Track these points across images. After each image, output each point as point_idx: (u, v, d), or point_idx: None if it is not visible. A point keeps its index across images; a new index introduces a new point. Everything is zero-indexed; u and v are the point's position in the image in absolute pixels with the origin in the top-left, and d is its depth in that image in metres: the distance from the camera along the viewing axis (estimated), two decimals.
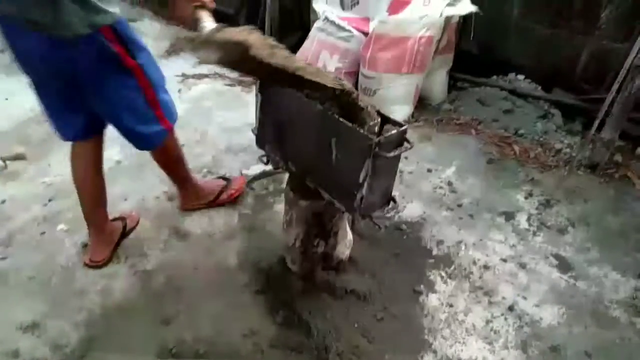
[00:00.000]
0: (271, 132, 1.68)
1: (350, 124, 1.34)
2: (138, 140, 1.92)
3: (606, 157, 2.59)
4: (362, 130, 1.32)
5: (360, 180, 1.39)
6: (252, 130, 1.79)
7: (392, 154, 1.35)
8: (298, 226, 1.73)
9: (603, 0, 2.74)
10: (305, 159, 1.60)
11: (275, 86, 1.54)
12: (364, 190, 1.40)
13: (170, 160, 2.14)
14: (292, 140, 1.62)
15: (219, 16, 4.34)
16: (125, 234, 2.19)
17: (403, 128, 1.37)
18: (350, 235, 1.92)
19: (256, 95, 1.67)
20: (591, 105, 2.92)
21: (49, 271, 2.02)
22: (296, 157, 1.64)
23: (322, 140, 1.47)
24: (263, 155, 1.82)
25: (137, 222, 2.26)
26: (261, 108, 1.69)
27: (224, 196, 2.37)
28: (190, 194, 2.31)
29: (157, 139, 1.93)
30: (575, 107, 3.03)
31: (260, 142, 1.77)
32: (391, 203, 1.52)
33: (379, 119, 1.39)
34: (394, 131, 1.34)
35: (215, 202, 2.35)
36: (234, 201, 2.38)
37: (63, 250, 2.12)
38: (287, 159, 1.68)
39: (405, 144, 1.39)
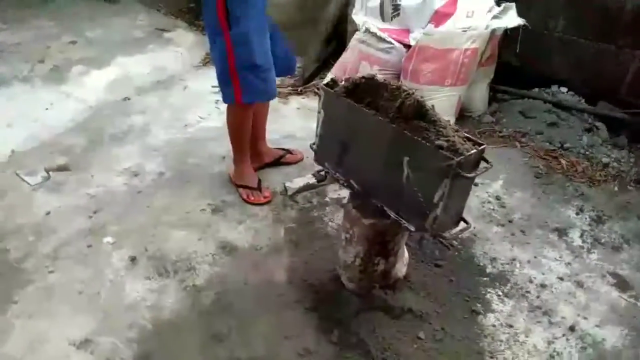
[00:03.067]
0: (333, 149, 1.65)
1: (428, 144, 1.31)
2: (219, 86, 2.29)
3: None
4: (441, 150, 1.29)
5: (436, 200, 1.35)
6: (311, 146, 1.76)
7: (472, 175, 1.31)
8: (359, 244, 1.69)
9: None
10: (371, 177, 1.56)
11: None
12: (438, 210, 1.37)
13: (231, 129, 2.41)
14: (356, 158, 1.59)
15: None
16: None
17: (482, 147, 1.34)
18: (406, 253, 1.89)
19: (319, 112, 1.65)
20: (638, 119, 2.86)
21: (98, 285, 2.00)
22: (360, 175, 1.61)
23: (391, 159, 1.44)
24: (320, 171, 1.79)
25: (263, 200, 2.46)
26: (323, 124, 1.66)
27: (244, 195, 2.46)
28: (235, 170, 2.53)
29: (224, 99, 2.26)
30: (620, 120, 2.97)
31: (319, 159, 1.74)
32: (462, 223, 1.48)
33: (472, 147, 1.35)
34: (473, 151, 1.31)
35: (238, 187, 2.50)
36: (248, 201, 2.45)
37: (110, 264, 2.10)
38: (349, 177, 1.65)
39: (484, 163, 1.35)
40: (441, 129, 1.34)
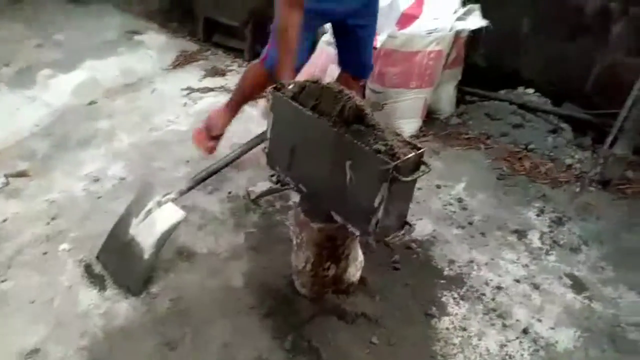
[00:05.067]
0: (282, 152, 1.64)
1: (367, 148, 1.30)
2: None
3: (619, 173, 2.55)
4: (379, 154, 1.28)
5: (376, 204, 1.35)
6: (263, 150, 1.75)
7: (409, 178, 1.31)
8: (309, 249, 1.68)
9: (614, 16, 2.71)
10: (318, 181, 1.56)
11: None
12: (379, 214, 1.36)
13: (245, 84, 2.47)
14: (304, 161, 1.58)
15: (224, 29, 4.31)
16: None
17: (420, 151, 1.34)
18: (361, 257, 1.88)
19: (268, 115, 1.64)
20: (602, 120, 2.88)
21: (51, 293, 1.97)
22: (308, 179, 1.60)
23: (336, 163, 1.43)
24: (272, 175, 1.78)
25: (204, 151, 2.57)
26: (273, 128, 1.65)
27: (197, 131, 2.60)
28: (219, 111, 2.57)
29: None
30: (585, 121, 2.99)
31: (271, 162, 1.73)
32: (406, 227, 1.48)
33: (411, 151, 1.34)
34: (411, 155, 1.30)
35: (205, 122, 2.59)
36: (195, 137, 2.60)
37: (65, 271, 2.07)
38: (298, 181, 1.64)
39: (423, 167, 1.35)
40: (380, 133, 1.33)
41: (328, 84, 1.47)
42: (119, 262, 2.03)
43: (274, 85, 1.65)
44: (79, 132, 3.00)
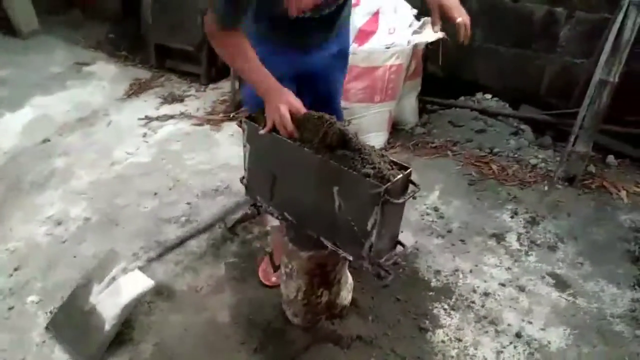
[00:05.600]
0: (263, 182, 1.59)
1: (355, 173, 1.28)
2: None
3: (582, 169, 2.64)
4: (368, 178, 1.26)
5: (369, 228, 1.32)
6: (241, 181, 1.70)
7: (401, 200, 1.29)
8: (299, 278, 1.63)
9: (561, 20, 2.84)
10: (304, 208, 1.52)
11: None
12: (373, 238, 1.34)
13: None
14: (288, 190, 1.54)
15: (177, 53, 4.19)
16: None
17: (408, 171, 1.33)
18: (350, 279, 1.85)
19: (244, 145, 1.59)
20: (559, 119, 3.00)
21: (22, 352, 1.83)
22: (293, 207, 1.56)
23: (322, 190, 1.39)
24: (253, 205, 1.73)
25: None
26: (250, 158, 1.60)
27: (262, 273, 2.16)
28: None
29: None
30: (544, 122, 3.10)
31: (251, 193, 1.68)
32: (398, 247, 1.46)
33: (399, 172, 1.32)
34: (399, 176, 1.29)
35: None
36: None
37: (36, 326, 1.93)
38: (282, 209, 1.59)
39: (412, 186, 1.34)
40: (366, 157, 1.31)
41: (307, 111, 1.44)
42: (75, 334, 1.86)
43: (247, 115, 1.62)
44: (34, 174, 2.83)
